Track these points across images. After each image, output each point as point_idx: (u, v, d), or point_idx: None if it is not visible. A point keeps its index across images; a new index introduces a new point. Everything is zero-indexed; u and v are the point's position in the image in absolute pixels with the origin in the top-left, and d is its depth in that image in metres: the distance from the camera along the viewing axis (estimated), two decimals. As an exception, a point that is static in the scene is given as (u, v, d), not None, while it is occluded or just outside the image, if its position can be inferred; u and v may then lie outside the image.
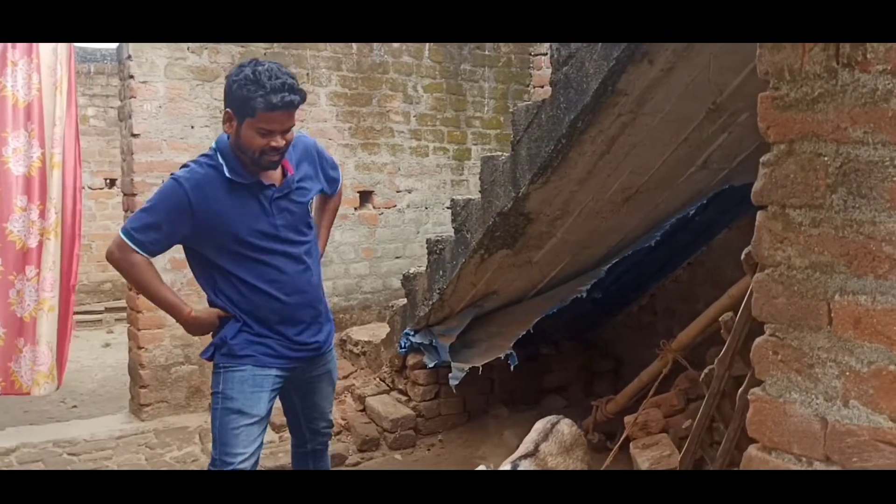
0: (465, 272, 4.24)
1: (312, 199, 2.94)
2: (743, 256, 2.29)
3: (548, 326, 4.73)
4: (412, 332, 4.89)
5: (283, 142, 2.60)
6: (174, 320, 5.05)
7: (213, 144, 2.72)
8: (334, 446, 4.82)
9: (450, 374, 4.67)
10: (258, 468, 2.89)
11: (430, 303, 4.56)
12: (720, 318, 2.30)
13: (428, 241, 4.56)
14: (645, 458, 3.41)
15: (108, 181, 9.57)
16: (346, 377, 5.58)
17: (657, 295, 5.06)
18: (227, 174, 2.63)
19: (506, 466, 2.91)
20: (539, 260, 4.28)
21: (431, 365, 4.83)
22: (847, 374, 1.44)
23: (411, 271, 4.82)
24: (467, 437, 4.99)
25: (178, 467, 4.49)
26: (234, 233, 2.67)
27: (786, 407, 1.54)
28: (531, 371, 5.13)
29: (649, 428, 3.69)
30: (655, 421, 3.70)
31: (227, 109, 2.58)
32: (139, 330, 5.16)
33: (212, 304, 2.89)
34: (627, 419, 3.78)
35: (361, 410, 5.13)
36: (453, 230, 4.23)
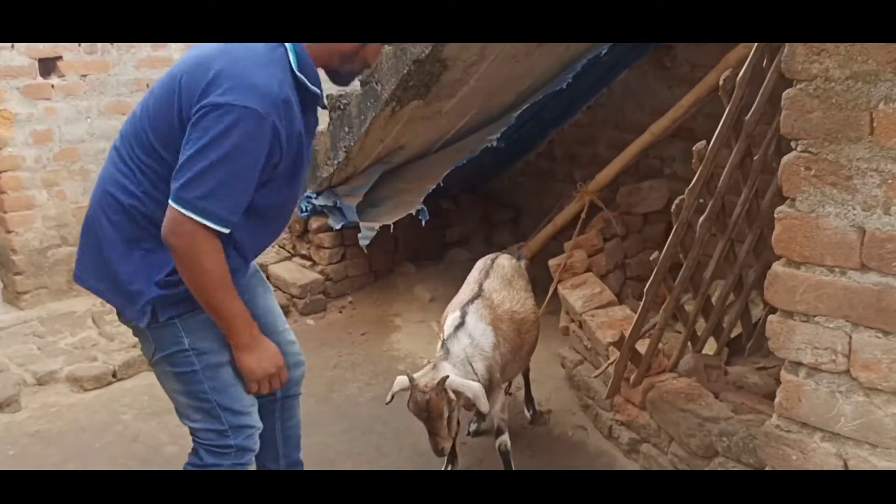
0: (374, 127, 4.06)
1: None
2: (721, 81, 2.27)
3: (446, 181, 4.64)
4: (314, 195, 4.69)
5: None
6: (43, 201, 4.74)
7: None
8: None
9: (359, 235, 4.56)
10: None
11: (335, 163, 4.36)
12: (693, 148, 2.30)
13: (328, 96, 4.30)
14: (577, 298, 3.48)
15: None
16: (241, 247, 5.34)
17: (556, 141, 5.08)
18: (304, 79, 1.92)
19: (455, 314, 2.89)
20: (449, 110, 4.15)
21: (338, 227, 4.69)
22: (889, 181, 1.46)
23: (309, 130, 4.56)
24: (377, 296, 4.95)
25: (75, 353, 4.17)
26: (297, 159, 1.99)
27: (818, 221, 1.56)
28: (433, 226, 5.06)
29: (574, 269, 3.77)
30: (580, 262, 3.79)
31: None
32: (6, 212, 4.67)
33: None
34: (553, 263, 3.84)
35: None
36: (359, 83, 4.00)
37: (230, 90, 1.78)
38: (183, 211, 1.79)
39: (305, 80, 1.91)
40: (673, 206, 2.39)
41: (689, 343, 2.95)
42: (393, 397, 2.66)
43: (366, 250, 4.63)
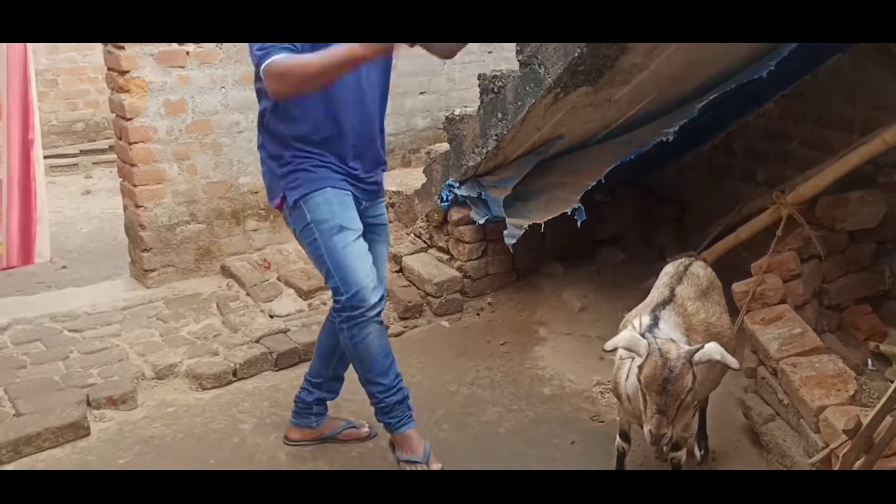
0: (532, 115, 3.52)
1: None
2: None
3: (604, 172, 4.05)
4: (457, 184, 4.22)
5: None
6: (174, 175, 4.50)
7: None
8: (372, 314, 4.28)
9: (505, 232, 4.06)
10: None
11: (484, 151, 3.86)
12: None
13: (481, 76, 3.80)
14: (771, 337, 2.87)
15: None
16: (374, 232, 4.96)
17: (736, 133, 4.38)
18: None
19: (646, 318, 2.46)
20: (621, 98, 3.56)
21: (481, 221, 4.20)
22: None
23: (456, 113, 4.08)
24: (519, 299, 4.46)
25: (197, 345, 3.91)
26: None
27: None
28: (584, 221, 4.51)
29: (766, 298, 3.14)
30: (774, 289, 3.14)
31: None
32: (135, 186, 4.45)
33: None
34: (739, 288, 3.20)
35: (398, 272, 4.54)
36: (519, 63, 3.47)
37: None
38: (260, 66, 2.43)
39: None
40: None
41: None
42: (615, 350, 2.40)
43: (512, 250, 4.13)
